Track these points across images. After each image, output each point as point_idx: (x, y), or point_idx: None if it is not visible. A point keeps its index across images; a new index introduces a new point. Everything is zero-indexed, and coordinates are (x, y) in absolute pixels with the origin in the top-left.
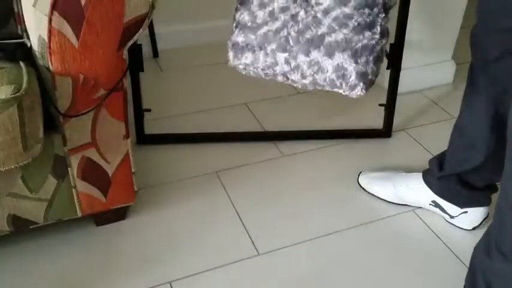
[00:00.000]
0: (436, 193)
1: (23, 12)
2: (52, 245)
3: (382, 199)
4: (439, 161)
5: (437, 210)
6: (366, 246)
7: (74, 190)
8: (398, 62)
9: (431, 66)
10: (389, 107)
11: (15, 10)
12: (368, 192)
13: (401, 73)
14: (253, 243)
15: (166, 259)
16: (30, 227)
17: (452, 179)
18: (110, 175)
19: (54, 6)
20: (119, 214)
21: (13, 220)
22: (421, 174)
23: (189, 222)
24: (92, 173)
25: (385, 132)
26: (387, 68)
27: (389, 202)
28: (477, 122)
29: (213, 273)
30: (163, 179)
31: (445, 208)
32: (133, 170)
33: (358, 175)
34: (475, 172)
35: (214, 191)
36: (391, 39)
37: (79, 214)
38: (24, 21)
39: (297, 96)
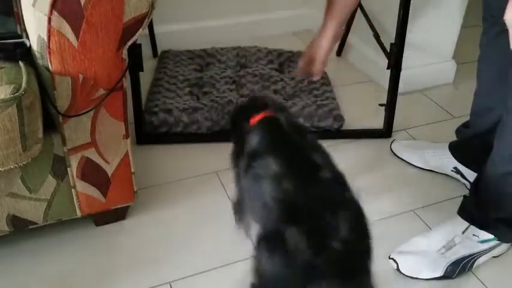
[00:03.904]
0: (457, 159)
1: (23, 12)
2: (51, 245)
3: (410, 163)
4: (464, 124)
5: (458, 176)
6: None
7: (73, 190)
8: (399, 62)
9: (431, 66)
10: (390, 107)
11: (15, 10)
12: (398, 157)
13: (401, 73)
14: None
15: (166, 259)
16: (30, 227)
17: (477, 142)
18: (110, 175)
19: (53, 6)
20: (119, 214)
21: (13, 220)
22: (446, 144)
23: (189, 222)
24: (92, 173)
25: (385, 132)
26: (387, 68)
27: (416, 166)
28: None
29: (213, 273)
30: (163, 179)
31: (465, 174)
32: (133, 170)
33: (391, 143)
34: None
35: (214, 191)
36: (392, 39)
37: (78, 214)
38: (23, 21)
39: None
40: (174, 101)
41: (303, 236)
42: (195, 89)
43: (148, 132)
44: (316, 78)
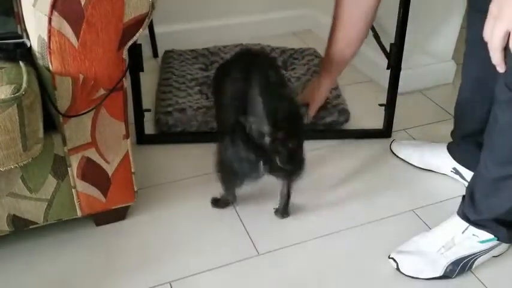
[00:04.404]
0: (456, 160)
1: (23, 12)
2: (52, 245)
3: (409, 163)
4: (457, 128)
5: (457, 177)
6: (365, 246)
7: (73, 190)
8: (399, 62)
9: (431, 66)
10: (390, 107)
11: (15, 10)
12: (398, 157)
13: (401, 73)
14: (253, 243)
15: (166, 259)
16: (30, 227)
17: (470, 143)
18: (110, 175)
19: (54, 6)
20: (119, 214)
21: (13, 220)
22: (446, 144)
23: (189, 222)
24: (92, 173)
25: (385, 132)
26: (387, 68)
27: (416, 166)
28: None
29: (213, 273)
30: (164, 179)
31: (464, 175)
32: (133, 170)
33: (391, 142)
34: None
35: (214, 191)
36: (392, 39)
37: (79, 214)
38: (24, 21)
39: None
40: (186, 100)
41: (252, 124)
42: (204, 88)
43: (148, 133)
44: (311, 119)
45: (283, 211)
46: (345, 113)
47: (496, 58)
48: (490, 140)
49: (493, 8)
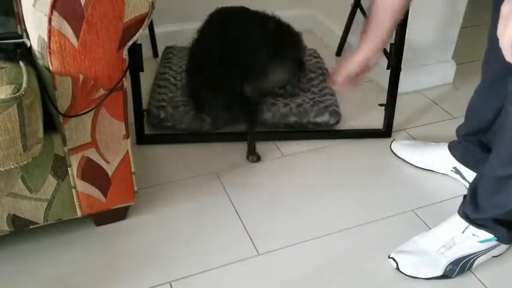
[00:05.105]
0: (457, 159)
1: (23, 12)
2: (52, 245)
3: (409, 163)
4: (464, 124)
5: (457, 176)
6: (365, 246)
7: (73, 190)
8: (399, 62)
9: (431, 66)
10: (390, 107)
11: (15, 10)
12: (398, 157)
13: (401, 73)
14: (253, 243)
15: (166, 259)
16: (30, 227)
17: (473, 142)
18: (110, 175)
19: (54, 6)
20: (119, 214)
21: (13, 220)
22: (446, 143)
23: (189, 222)
24: (92, 173)
25: (385, 132)
26: (387, 68)
27: (416, 166)
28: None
29: (213, 273)
30: (164, 179)
31: (464, 174)
32: (133, 170)
33: (391, 142)
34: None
35: (214, 191)
36: (391, 39)
37: (79, 214)
38: (24, 21)
39: None
40: (180, 97)
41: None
42: None
43: (148, 133)
44: (330, 84)
45: (252, 155)
46: (336, 115)
47: (508, 56)
48: (499, 137)
49: (504, 9)
